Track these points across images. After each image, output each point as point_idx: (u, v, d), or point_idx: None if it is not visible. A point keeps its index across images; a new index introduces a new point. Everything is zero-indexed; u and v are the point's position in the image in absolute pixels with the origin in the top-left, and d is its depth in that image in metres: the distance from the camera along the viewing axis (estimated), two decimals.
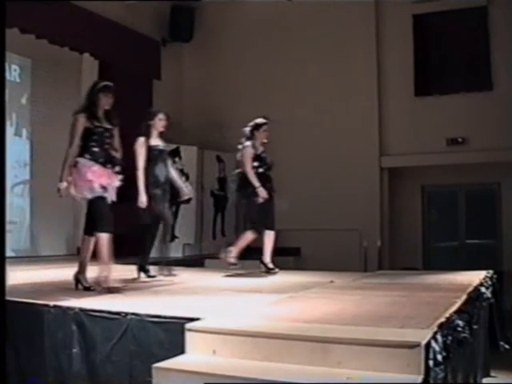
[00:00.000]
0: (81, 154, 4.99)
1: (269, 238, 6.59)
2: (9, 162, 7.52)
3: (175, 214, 10.57)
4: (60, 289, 4.98)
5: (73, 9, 8.94)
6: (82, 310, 3.89)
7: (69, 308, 3.97)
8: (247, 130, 6.67)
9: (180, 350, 3.31)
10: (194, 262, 9.53)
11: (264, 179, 6.46)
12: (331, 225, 10.61)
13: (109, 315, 3.78)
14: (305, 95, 11.16)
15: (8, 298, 4.03)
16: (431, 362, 2.81)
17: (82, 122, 5.05)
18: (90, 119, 5.05)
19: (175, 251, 10.43)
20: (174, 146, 10.63)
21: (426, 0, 10.67)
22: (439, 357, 2.87)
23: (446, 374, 2.99)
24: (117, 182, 5.27)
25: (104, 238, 4.87)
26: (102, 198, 4.96)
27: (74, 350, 3.86)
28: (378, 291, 4.92)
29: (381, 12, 11.01)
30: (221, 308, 4.05)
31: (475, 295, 4.60)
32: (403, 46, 10.83)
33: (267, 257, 6.59)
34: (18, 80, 9.14)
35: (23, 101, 9.28)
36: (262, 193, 6.32)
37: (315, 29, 11.13)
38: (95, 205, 4.94)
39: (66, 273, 6.73)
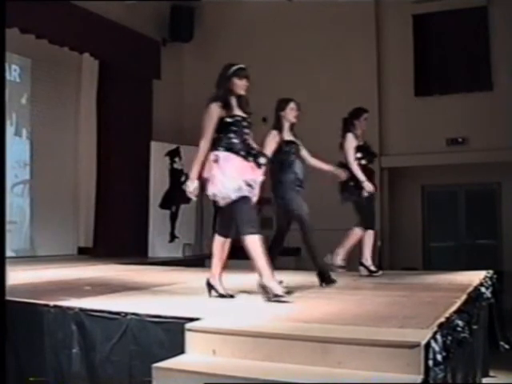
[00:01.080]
0: (216, 148, 4.46)
1: (369, 237, 6.25)
2: (9, 162, 7.52)
3: (175, 214, 10.59)
4: (60, 289, 4.98)
5: (73, 9, 8.94)
6: (82, 310, 3.89)
7: (69, 308, 3.96)
8: (346, 119, 6.26)
9: (180, 349, 3.31)
10: (193, 261, 9.54)
11: (368, 172, 6.08)
12: (331, 225, 10.58)
13: (109, 315, 3.77)
14: (305, 95, 11.12)
15: (8, 297, 4.02)
16: (431, 362, 2.81)
17: (217, 111, 4.52)
18: (225, 108, 4.54)
19: (175, 251, 10.46)
20: (174, 146, 10.65)
21: (426, 0, 10.67)
22: (439, 357, 2.87)
23: (446, 374, 2.99)
24: (261, 176, 4.55)
25: (256, 240, 4.30)
26: (246, 197, 4.35)
27: (74, 350, 3.86)
28: (378, 291, 4.93)
29: (381, 12, 11.01)
30: (221, 308, 4.06)
31: (475, 295, 4.60)
32: (403, 46, 10.83)
33: (369, 258, 6.22)
34: (18, 80, 9.14)
35: (23, 101, 9.28)
36: (369, 187, 5.94)
37: (315, 29, 11.12)
38: (240, 205, 4.32)
39: (65, 273, 6.76)
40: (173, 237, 10.51)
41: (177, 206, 10.57)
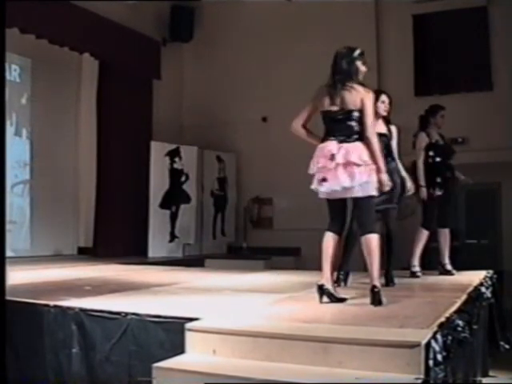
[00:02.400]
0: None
1: (443, 236, 6.18)
2: (9, 162, 7.53)
3: (175, 214, 10.59)
4: (60, 289, 4.98)
5: (73, 9, 8.94)
6: (82, 310, 3.89)
7: (69, 308, 3.96)
8: (422, 116, 6.29)
9: (180, 349, 3.31)
10: (193, 261, 9.54)
11: (443, 170, 5.97)
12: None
13: (109, 315, 3.77)
14: (305, 95, 11.12)
15: (8, 297, 4.02)
16: (431, 362, 2.81)
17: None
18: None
19: (175, 251, 10.46)
20: (174, 146, 10.65)
21: (426, 0, 10.67)
22: (439, 356, 2.87)
23: (446, 374, 2.99)
24: None
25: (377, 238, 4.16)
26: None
27: (74, 350, 3.86)
28: None
29: (381, 12, 11.01)
30: (221, 308, 4.05)
31: (475, 295, 4.60)
32: (403, 46, 10.82)
33: (445, 257, 6.15)
34: (18, 80, 9.14)
35: (23, 101, 9.28)
36: (423, 193, 5.86)
37: (315, 29, 11.12)
38: (371, 202, 4.19)
39: (65, 273, 6.76)
40: (173, 237, 10.51)
41: (177, 206, 10.57)
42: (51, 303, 4.06)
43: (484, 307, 4.93)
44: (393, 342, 2.88)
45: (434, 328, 3.07)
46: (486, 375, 5.20)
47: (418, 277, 5.89)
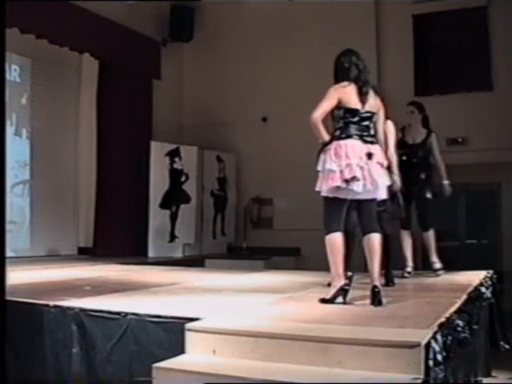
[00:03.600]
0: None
1: (425, 237, 6.28)
2: (9, 162, 7.52)
3: (175, 214, 10.59)
4: (60, 289, 4.98)
5: (73, 9, 8.94)
6: (82, 310, 3.89)
7: (69, 308, 3.96)
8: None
9: (180, 350, 3.31)
10: (193, 261, 9.53)
11: (406, 169, 5.72)
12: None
13: (109, 315, 3.77)
14: (305, 95, 11.13)
15: (8, 297, 4.02)
16: (431, 362, 2.81)
17: None
18: None
19: (175, 251, 10.46)
20: (174, 146, 10.65)
21: (426, 0, 10.67)
22: (439, 357, 2.87)
23: (446, 374, 2.99)
24: None
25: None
26: None
27: (74, 350, 3.86)
28: None
29: (381, 12, 11.01)
30: (221, 308, 4.05)
31: (475, 295, 4.60)
32: (403, 45, 10.82)
33: (431, 257, 6.26)
34: (18, 80, 9.14)
35: (23, 101, 9.28)
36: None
37: (315, 29, 11.12)
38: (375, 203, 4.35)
39: (65, 273, 6.76)
40: (173, 237, 10.51)
41: (177, 206, 10.57)
42: (51, 303, 4.06)
43: (484, 307, 4.93)
44: (393, 342, 2.88)
45: (434, 328, 3.07)
46: (488, 375, 5.20)
47: (406, 277, 5.91)
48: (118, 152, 9.98)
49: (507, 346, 5.46)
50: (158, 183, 10.28)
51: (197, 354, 3.25)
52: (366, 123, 4.20)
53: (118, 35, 9.88)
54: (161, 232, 10.32)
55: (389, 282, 5.20)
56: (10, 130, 8.84)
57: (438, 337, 2.98)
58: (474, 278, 5.36)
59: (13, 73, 9.04)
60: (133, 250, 9.82)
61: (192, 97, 12.04)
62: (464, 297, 4.19)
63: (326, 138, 4.20)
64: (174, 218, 10.54)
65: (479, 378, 4.67)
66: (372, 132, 4.20)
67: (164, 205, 10.37)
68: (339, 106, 4.21)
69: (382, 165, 4.13)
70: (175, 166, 10.59)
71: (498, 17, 10.26)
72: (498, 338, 5.45)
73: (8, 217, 7.42)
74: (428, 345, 2.84)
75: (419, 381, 2.72)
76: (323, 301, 4.12)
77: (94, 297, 4.50)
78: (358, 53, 4.54)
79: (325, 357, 2.95)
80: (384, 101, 4.68)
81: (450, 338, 3.17)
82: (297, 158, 11.15)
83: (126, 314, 3.71)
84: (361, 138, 4.12)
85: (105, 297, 4.54)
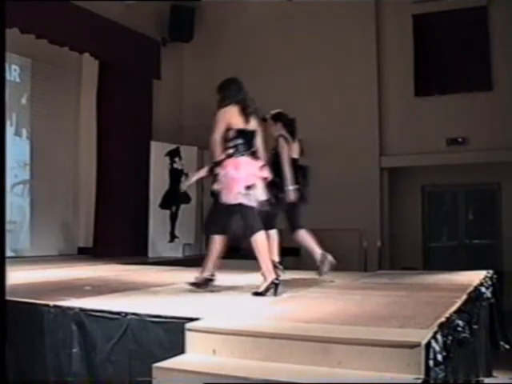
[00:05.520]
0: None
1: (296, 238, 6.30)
2: (9, 162, 7.53)
3: (175, 214, 10.60)
4: (60, 289, 4.98)
5: (73, 9, 8.94)
6: (82, 310, 3.89)
7: (69, 308, 3.96)
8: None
9: (180, 350, 3.31)
10: (193, 261, 9.52)
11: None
12: (331, 225, 10.59)
13: (109, 315, 3.77)
14: (305, 95, 11.16)
15: (8, 297, 4.02)
16: (431, 362, 2.81)
17: None
18: None
19: (175, 251, 10.46)
20: (174, 146, 10.65)
21: (426, 0, 10.67)
22: (439, 357, 2.87)
23: (447, 374, 2.99)
24: None
25: None
26: None
27: (74, 350, 3.85)
28: (378, 291, 4.92)
29: (381, 12, 11.01)
30: (221, 308, 4.05)
31: (475, 295, 4.60)
32: (403, 46, 10.83)
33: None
34: (18, 80, 9.14)
35: (23, 101, 9.28)
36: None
37: (315, 29, 11.13)
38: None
39: (65, 273, 6.75)
40: (173, 237, 10.51)
41: (177, 206, 10.58)
42: (51, 303, 4.06)
43: (484, 307, 4.93)
44: (393, 342, 2.88)
45: (434, 328, 3.07)
46: (489, 375, 5.20)
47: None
48: (117, 152, 9.97)
49: (507, 346, 5.47)
50: (158, 183, 10.28)
51: (197, 354, 3.25)
52: (253, 141, 4.78)
53: (118, 35, 9.88)
54: (161, 232, 10.32)
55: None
56: (9, 130, 8.84)
57: (438, 337, 2.98)
58: (474, 277, 5.35)
59: (13, 73, 9.04)
60: (133, 250, 9.83)
61: (192, 97, 12.03)
62: (464, 297, 4.19)
63: (220, 157, 4.69)
64: (174, 218, 10.55)
65: (480, 378, 4.68)
66: (255, 148, 4.77)
67: (164, 205, 10.37)
68: (229, 127, 4.71)
69: (265, 178, 4.75)
70: (175, 166, 10.60)
71: (498, 17, 10.27)
72: (498, 338, 5.45)
73: (8, 217, 7.42)
74: (428, 345, 2.84)
75: (419, 381, 2.71)
76: (256, 294, 4.46)
77: (93, 297, 4.50)
78: (238, 80, 5.18)
79: (325, 357, 2.95)
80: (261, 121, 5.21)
81: (450, 337, 3.16)
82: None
83: (126, 313, 3.71)
84: (249, 153, 4.70)
85: (105, 297, 4.53)
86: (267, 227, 6.08)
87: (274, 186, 5.67)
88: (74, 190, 10.12)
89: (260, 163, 4.73)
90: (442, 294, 4.46)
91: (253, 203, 4.59)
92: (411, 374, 2.75)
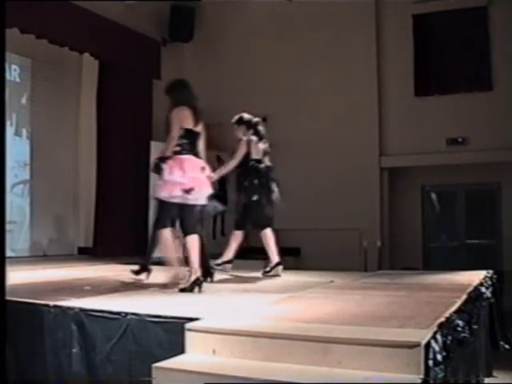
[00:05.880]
0: None
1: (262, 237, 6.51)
2: (9, 162, 7.53)
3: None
4: (60, 289, 4.98)
5: (73, 9, 8.94)
6: (82, 310, 3.89)
7: (69, 308, 3.96)
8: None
9: (180, 350, 3.31)
10: None
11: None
12: (331, 225, 10.60)
13: (109, 315, 3.77)
14: (305, 95, 11.16)
15: (8, 297, 4.02)
16: (431, 362, 2.81)
17: None
18: None
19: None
20: None
21: (426, 0, 10.67)
22: (439, 357, 2.87)
23: (446, 374, 2.99)
24: None
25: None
26: None
27: (74, 350, 3.85)
28: (378, 291, 4.93)
29: (381, 12, 11.01)
30: (221, 308, 4.06)
31: (475, 295, 4.60)
32: (403, 45, 10.82)
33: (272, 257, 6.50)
34: (18, 80, 9.14)
35: (23, 101, 9.28)
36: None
37: (315, 29, 11.13)
38: None
39: (65, 273, 6.76)
40: None
41: None
42: (51, 303, 4.06)
43: (484, 307, 4.93)
44: (393, 342, 2.88)
45: (434, 328, 3.07)
46: (489, 375, 5.20)
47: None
48: (117, 152, 9.97)
49: (507, 346, 5.47)
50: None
51: (197, 354, 3.25)
52: (196, 142, 5.13)
53: (118, 35, 9.88)
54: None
55: (207, 275, 5.63)
56: (9, 130, 8.84)
57: (438, 337, 2.98)
58: (474, 277, 5.36)
59: (13, 73, 9.04)
60: (133, 250, 9.81)
61: None
62: (464, 297, 4.19)
63: (170, 153, 5.05)
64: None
65: (480, 378, 4.68)
66: (198, 150, 5.14)
67: None
68: (181, 126, 5.05)
69: (210, 178, 5.17)
70: None
71: (498, 17, 10.26)
72: (498, 338, 5.45)
73: (8, 217, 7.42)
74: (428, 345, 2.84)
75: (419, 381, 2.71)
76: (182, 290, 4.79)
77: (93, 297, 4.50)
78: (188, 82, 5.47)
79: (325, 357, 2.95)
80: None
81: (449, 337, 3.16)
82: (297, 158, 11.16)
83: (126, 313, 3.71)
84: (194, 153, 5.07)
85: (105, 297, 4.54)
86: (263, 226, 6.23)
87: (245, 190, 6.18)
88: (74, 189, 10.11)
89: (202, 163, 5.10)
90: (442, 294, 4.46)
91: (192, 203, 4.97)
92: (411, 374, 2.75)
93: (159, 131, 10.94)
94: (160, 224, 5.28)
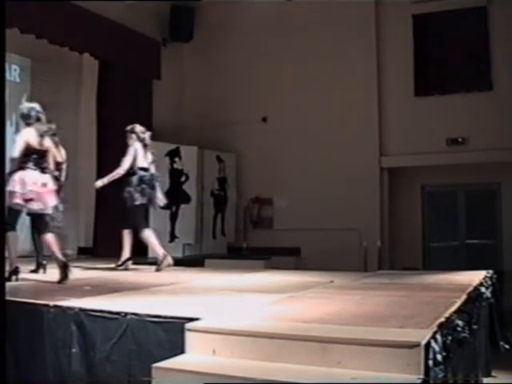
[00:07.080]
0: None
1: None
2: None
3: (175, 214, 10.59)
4: (60, 289, 4.98)
5: (73, 9, 8.94)
6: (82, 310, 3.89)
7: (69, 308, 3.96)
8: None
9: (180, 350, 3.30)
10: (193, 262, 9.52)
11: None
12: (331, 225, 10.61)
13: (108, 315, 3.77)
14: (305, 95, 11.17)
15: (8, 297, 4.02)
16: (431, 362, 2.81)
17: None
18: None
19: (175, 251, 10.45)
20: (174, 146, 10.65)
21: (426, 0, 10.67)
22: (439, 357, 2.87)
23: (446, 374, 2.99)
24: None
25: None
26: None
27: (74, 350, 3.85)
28: (378, 291, 4.92)
29: (381, 12, 11.02)
30: (221, 308, 4.05)
31: (475, 295, 4.60)
32: (403, 46, 10.83)
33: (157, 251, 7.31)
34: (17, 80, 9.14)
35: (23, 101, 9.26)
36: None
37: (315, 29, 11.13)
38: None
39: None
40: (173, 237, 10.50)
41: (177, 206, 10.57)
42: (51, 303, 4.06)
43: (484, 307, 4.93)
44: (392, 342, 2.88)
45: (434, 328, 3.07)
46: (488, 375, 5.20)
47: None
48: (118, 152, 9.94)
49: (507, 346, 5.46)
50: (158, 183, 10.25)
51: (196, 354, 3.25)
52: (43, 158, 5.64)
53: (118, 35, 9.88)
54: (161, 232, 10.30)
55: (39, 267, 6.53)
56: (10, 130, 8.83)
57: (438, 337, 2.98)
58: (474, 277, 5.35)
59: (13, 73, 9.04)
60: (133, 250, 9.80)
61: (192, 97, 12.04)
62: (464, 297, 4.19)
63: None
64: (174, 218, 10.54)
65: (479, 378, 4.68)
66: (46, 165, 5.66)
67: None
68: (26, 145, 5.55)
69: (52, 190, 5.68)
70: (175, 165, 10.59)
71: (498, 16, 10.27)
72: (498, 338, 5.45)
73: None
74: (428, 345, 2.84)
75: (419, 381, 2.71)
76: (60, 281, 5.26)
77: (93, 297, 4.50)
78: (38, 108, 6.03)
79: (324, 357, 2.95)
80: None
81: (449, 337, 3.16)
82: (296, 158, 11.17)
83: (126, 313, 3.71)
84: (38, 168, 5.55)
85: (105, 297, 4.53)
86: (142, 227, 7.05)
87: (129, 195, 6.91)
88: (73, 190, 10.10)
89: (45, 178, 5.61)
90: (442, 294, 4.46)
91: (34, 210, 5.60)
92: (411, 374, 2.75)
93: (159, 131, 10.96)
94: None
